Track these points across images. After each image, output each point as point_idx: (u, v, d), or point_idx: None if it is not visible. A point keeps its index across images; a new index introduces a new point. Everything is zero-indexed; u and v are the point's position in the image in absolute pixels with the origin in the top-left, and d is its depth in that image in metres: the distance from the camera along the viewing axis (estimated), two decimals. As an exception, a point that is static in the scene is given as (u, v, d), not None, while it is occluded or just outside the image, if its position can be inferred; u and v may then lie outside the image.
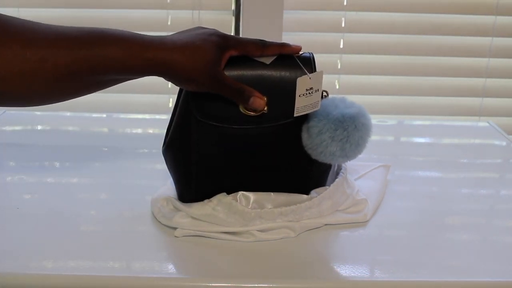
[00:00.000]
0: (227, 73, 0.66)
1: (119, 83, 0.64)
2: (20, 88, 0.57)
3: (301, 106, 0.68)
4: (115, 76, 0.62)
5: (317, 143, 0.68)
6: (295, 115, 0.68)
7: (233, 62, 0.67)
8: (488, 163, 0.98)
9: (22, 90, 0.57)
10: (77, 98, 0.63)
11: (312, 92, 0.67)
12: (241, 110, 0.68)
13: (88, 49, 0.58)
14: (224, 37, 0.66)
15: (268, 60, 0.69)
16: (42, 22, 0.59)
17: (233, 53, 0.66)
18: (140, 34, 0.63)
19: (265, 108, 0.68)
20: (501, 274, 0.65)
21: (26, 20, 0.58)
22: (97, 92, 0.63)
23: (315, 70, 0.69)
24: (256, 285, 0.62)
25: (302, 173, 0.72)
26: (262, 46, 0.68)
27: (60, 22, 0.64)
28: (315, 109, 0.68)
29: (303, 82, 0.66)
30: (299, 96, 0.67)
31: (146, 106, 1.47)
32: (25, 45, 0.56)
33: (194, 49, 0.62)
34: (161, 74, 0.63)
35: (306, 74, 0.67)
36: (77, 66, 0.58)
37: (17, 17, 0.58)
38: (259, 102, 0.66)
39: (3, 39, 0.55)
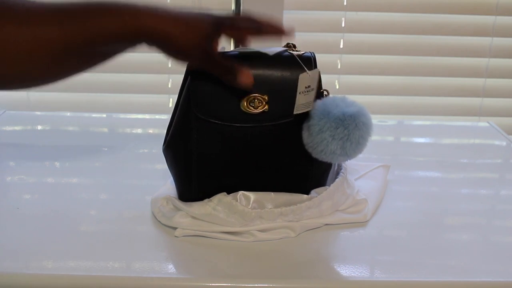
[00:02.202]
0: None
1: (117, 54, 0.63)
2: (17, 67, 0.55)
3: (300, 104, 0.68)
4: (109, 46, 0.61)
5: (317, 141, 0.68)
6: (294, 112, 0.68)
7: (235, 60, 0.67)
8: (488, 163, 0.98)
9: (20, 69, 0.56)
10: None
11: (309, 91, 0.68)
12: (242, 108, 0.68)
13: (81, 22, 0.57)
14: (221, 16, 0.65)
15: (271, 52, 0.69)
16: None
17: (228, 32, 0.65)
18: (134, 2, 0.61)
19: (266, 107, 0.68)
20: (501, 274, 0.65)
21: None
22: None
23: (315, 70, 0.69)
24: (256, 285, 0.62)
25: (303, 173, 0.72)
26: (257, 31, 0.66)
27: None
28: (309, 109, 0.69)
29: (303, 79, 0.67)
30: (299, 93, 0.67)
31: (146, 106, 1.47)
32: (19, 24, 0.54)
33: (188, 21, 0.61)
34: (153, 44, 0.61)
35: (306, 70, 0.67)
36: (71, 40, 0.57)
37: None
38: (246, 78, 0.65)
39: None
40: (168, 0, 1.35)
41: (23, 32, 0.54)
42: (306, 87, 0.68)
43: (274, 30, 0.67)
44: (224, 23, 0.65)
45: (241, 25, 0.66)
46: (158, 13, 0.61)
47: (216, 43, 0.65)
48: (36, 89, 0.62)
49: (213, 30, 0.63)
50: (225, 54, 0.68)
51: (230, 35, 0.66)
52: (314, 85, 0.68)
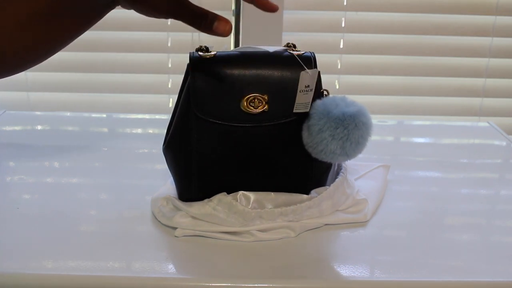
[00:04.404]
0: (228, 70, 0.66)
1: (92, 17, 0.60)
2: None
3: (299, 103, 0.68)
4: (75, 4, 0.58)
5: (317, 141, 0.68)
6: (294, 111, 0.68)
7: (234, 60, 0.68)
8: (488, 163, 0.98)
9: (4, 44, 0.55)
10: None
11: (308, 91, 0.68)
12: (242, 108, 0.68)
13: None
14: None
15: (271, 48, 0.69)
16: None
17: None
18: None
19: (266, 107, 0.68)
20: (501, 274, 0.65)
21: None
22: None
23: (315, 70, 0.69)
24: (256, 285, 0.62)
25: (302, 173, 0.72)
26: None
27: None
28: (306, 110, 0.69)
29: (303, 78, 0.67)
30: (300, 91, 0.67)
31: (146, 106, 1.47)
32: None
33: None
34: None
35: (305, 69, 0.68)
36: (35, 5, 0.55)
37: None
38: (224, 26, 0.60)
39: None
40: None
41: None
42: (305, 86, 0.68)
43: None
44: None
45: None
46: None
47: None
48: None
49: None
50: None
51: None
52: (313, 86, 0.68)
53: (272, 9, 0.66)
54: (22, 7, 0.55)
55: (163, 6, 0.59)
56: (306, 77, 0.67)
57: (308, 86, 0.68)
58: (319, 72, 0.70)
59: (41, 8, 0.56)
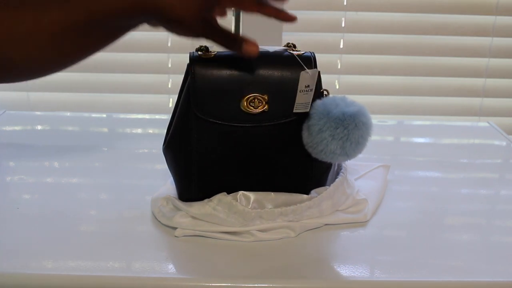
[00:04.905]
0: (228, 71, 0.66)
1: (116, 35, 0.62)
2: (20, 53, 0.55)
3: (299, 103, 0.68)
4: (108, 23, 0.60)
5: (317, 141, 0.68)
6: (294, 111, 0.68)
7: (234, 60, 0.68)
8: (488, 163, 0.98)
9: (23, 56, 0.56)
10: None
11: (308, 91, 0.68)
12: (242, 108, 0.68)
13: (77, 1, 0.57)
14: None
15: (271, 48, 0.69)
16: None
17: (228, 4, 0.65)
18: None
19: (266, 107, 0.68)
20: (501, 274, 0.65)
21: None
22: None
23: (315, 70, 0.69)
24: (256, 285, 0.62)
25: (302, 173, 0.72)
26: (258, 2, 0.66)
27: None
28: (306, 110, 0.69)
29: (303, 78, 0.67)
30: (300, 91, 0.67)
31: (146, 106, 1.47)
32: (17, 8, 0.54)
33: None
34: (151, 15, 0.61)
35: (305, 69, 0.68)
36: (70, 20, 0.57)
37: None
38: (253, 48, 0.64)
39: None
40: None
41: (22, 15, 0.54)
42: (305, 86, 0.68)
43: (275, 14, 0.67)
44: None
45: (243, 1, 0.65)
46: None
47: (216, 12, 0.64)
48: (41, 79, 0.61)
49: None
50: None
51: (230, 5, 0.65)
52: (313, 86, 0.68)
53: (290, 19, 0.68)
54: (60, 20, 0.56)
55: (198, 28, 0.62)
56: (306, 77, 0.67)
57: (308, 86, 0.68)
58: (319, 72, 0.70)
59: (77, 23, 0.57)
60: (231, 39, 0.64)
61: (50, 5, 0.56)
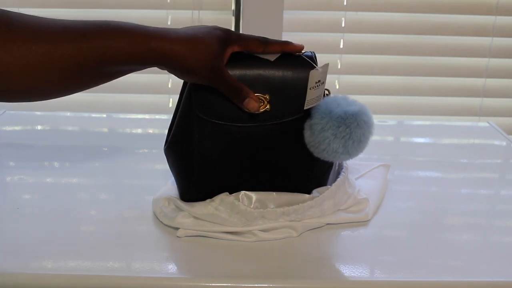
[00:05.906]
0: (230, 70, 0.66)
1: (124, 75, 0.65)
2: (26, 82, 0.57)
3: (310, 99, 0.68)
4: (119, 67, 0.62)
5: (319, 140, 0.68)
6: (305, 107, 0.68)
7: (237, 60, 0.68)
8: (488, 163, 0.98)
9: (29, 85, 0.57)
10: (77, 98, 0.64)
11: (319, 85, 0.68)
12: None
13: (93, 41, 0.59)
14: (227, 32, 0.66)
15: (272, 57, 0.69)
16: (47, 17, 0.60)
17: (236, 48, 0.67)
18: (144, 25, 0.63)
19: (268, 106, 0.68)
20: (501, 274, 0.65)
21: (31, 15, 0.58)
22: (99, 86, 0.64)
23: (316, 70, 0.69)
24: (257, 285, 0.62)
25: (304, 172, 0.72)
26: (264, 43, 0.69)
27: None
28: (318, 102, 0.69)
29: (313, 75, 0.67)
30: (310, 89, 0.68)
31: (146, 106, 1.47)
32: (31, 39, 0.56)
33: (197, 41, 0.63)
34: (162, 65, 0.63)
35: (315, 67, 0.68)
36: (82, 58, 0.58)
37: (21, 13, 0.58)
38: (253, 104, 0.67)
39: (9, 34, 0.55)
40: (168, 0, 1.35)
41: (36, 48, 0.56)
42: (316, 82, 0.68)
43: (281, 48, 0.70)
44: (232, 40, 0.66)
45: (249, 43, 0.68)
46: (167, 35, 0.62)
47: (225, 60, 0.66)
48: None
49: (220, 47, 0.64)
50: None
51: (237, 50, 0.68)
52: (324, 79, 0.69)
53: (297, 50, 0.71)
54: (72, 57, 0.58)
55: (207, 74, 0.64)
56: (316, 74, 0.67)
57: (319, 80, 0.68)
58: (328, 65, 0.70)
59: (89, 63, 0.59)
60: (236, 90, 0.66)
61: (64, 41, 0.57)
